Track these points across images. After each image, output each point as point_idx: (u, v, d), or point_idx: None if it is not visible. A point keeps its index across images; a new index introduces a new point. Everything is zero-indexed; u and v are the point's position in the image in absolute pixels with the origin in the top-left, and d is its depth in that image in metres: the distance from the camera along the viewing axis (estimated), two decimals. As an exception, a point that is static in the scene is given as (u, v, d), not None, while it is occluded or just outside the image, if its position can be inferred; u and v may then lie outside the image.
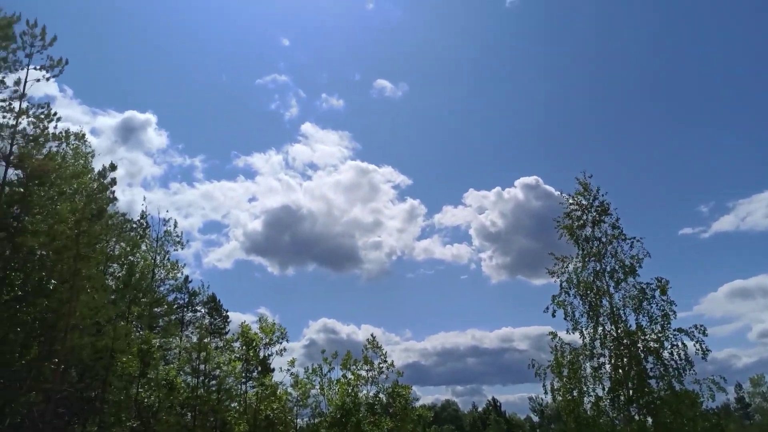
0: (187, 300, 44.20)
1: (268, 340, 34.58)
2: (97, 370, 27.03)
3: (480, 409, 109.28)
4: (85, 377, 28.27)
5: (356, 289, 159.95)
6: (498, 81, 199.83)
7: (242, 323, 35.23)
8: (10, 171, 25.11)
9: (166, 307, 40.94)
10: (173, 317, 42.68)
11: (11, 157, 24.58)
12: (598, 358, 18.32)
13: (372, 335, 34.11)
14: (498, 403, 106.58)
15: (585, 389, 18.14)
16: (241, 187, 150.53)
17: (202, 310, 45.41)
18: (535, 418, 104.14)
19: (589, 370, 18.29)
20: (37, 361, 23.08)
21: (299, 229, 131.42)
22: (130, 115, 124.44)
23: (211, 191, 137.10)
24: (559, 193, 20.82)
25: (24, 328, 23.46)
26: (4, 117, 24.72)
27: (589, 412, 17.86)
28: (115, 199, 29.88)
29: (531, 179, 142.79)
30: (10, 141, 24.52)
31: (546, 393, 18.48)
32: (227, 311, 46.88)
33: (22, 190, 25.67)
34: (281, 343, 34.92)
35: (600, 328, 18.41)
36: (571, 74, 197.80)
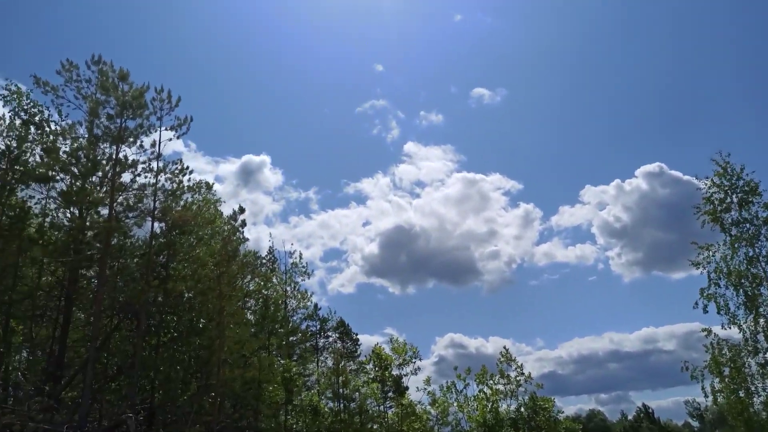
0: (318, 327, 46.07)
1: (401, 360, 34.98)
2: (247, 400, 28.89)
3: (630, 417, 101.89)
4: (237, 408, 30.35)
5: (479, 301, 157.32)
6: (599, 70, 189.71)
7: (375, 345, 35.98)
8: (155, 224, 28.00)
9: (300, 335, 43.02)
10: (308, 344, 44.70)
11: (155, 212, 27.39)
12: (764, 353, 16.45)
13: (505, 347, 33.26)
14: (650, 410, 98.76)
15: (753, 388, 16.34)
16: (354, 212, 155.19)
17: (334, 335, 47.08)
18: (695, 424, 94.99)
19: (754, 368, 16.49)
20: (197, 396, 25.15)
21: (414, 247, 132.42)
22: (247, 159, 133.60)
23: (327, 220, 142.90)
24: (694, 178, 19.21)
25: (182, 366, 25.72)
26: (145, 177, 27.63)
27: (762, 414, 16.03)
28: (246, 239, 32.05)
29: (653, 167, 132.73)
30: (153, 198, 27.31)
31: (706, 396, 16.94)
32: (357, 334, 48.25)
33: (166, 240, 28.51)
34: (414, 362, 35.17)
35: (762, 320, 16.55)
36: (686, 50, 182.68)
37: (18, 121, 27.74)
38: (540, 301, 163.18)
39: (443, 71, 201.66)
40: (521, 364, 32.70)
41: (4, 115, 27.69)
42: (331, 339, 46.68)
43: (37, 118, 28.10)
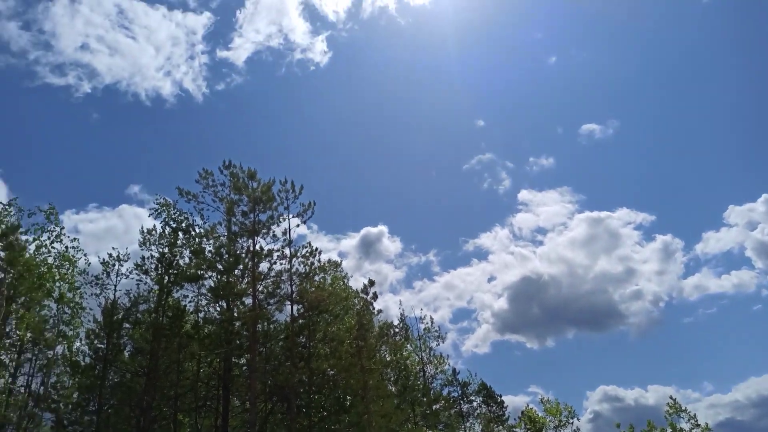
0: (460, 392, 44.67)
1: (557, 422, 32.70)
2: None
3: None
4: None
5: (627, 347, 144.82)
6: (716, 82, 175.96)
7: (526, 407, 34.04)
8: (294, 307, 29.34)
9: (443, 402, 41.90)
10: (452, 411, 43.34)
11: (293, 295, 28.79)
12: None
13: (671, 397, 29.98)
14: None
15: None
16: (476, 269, 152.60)
17: (477, 399, 45.30)
18: None
19: None
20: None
21: (546, 297, 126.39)
22: (366, 231, 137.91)
23: (450, 281, 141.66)
24: None
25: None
26: (280, 264, 29.35)
27: None
28: (380, 310, 32.48)
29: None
30: (289, 282, 28.83)
31: None
32: (500, 396, 46.05)
33: (305, 321, 29.68)
34: (571, 422, 32.69)
35: None
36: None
37: (168, 230, 31.04)
38: (699, 339, 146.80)
39: (546, 114, 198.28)
40: (694, 414, 29.18)
41: (155, 226, 31.18)
42: (475, 404, 44.94)
43: (183, 225, 31.30)
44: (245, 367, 29.58)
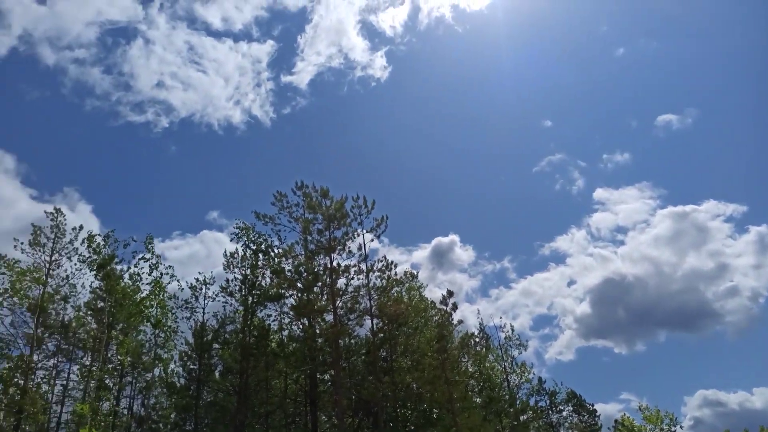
0: (548, 401, 43.20)
1: (658, 431, 30.86)
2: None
3: None
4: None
5: (725, 347, 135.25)
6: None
7: (623, 416, 32.39)
8: (374, 321, 29.49)
9: (531, 412, 40.65)
10: (541, 422, 41.95)
11: (372, 310, 28.95)
12: None
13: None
14: None
15: None
16: (554, 274, 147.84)
17: (567, 408, 43.62)
18: None
19: None
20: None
21: (632, 299, 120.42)
22: (437, 241, 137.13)
23: (528, 287, 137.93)
24: None
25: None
26: (357, 279, 29.63)
27: None
28: (460, 321, 32.07)
29: None
30: (368, 297, 29.02)
31: None
32: (592, 405, 44.11)
33: (385, 335, 29.76)
34: (673, 430, 30.75)
35: None
36: None
37: (249, 252, 32.15)
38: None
39: (618, 109, 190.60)
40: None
41: (237, 249, 32.39)
42: (564, 413, 43.29)
43: (263, 246, 32.32)
44: (329, 383, 29.99)
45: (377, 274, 30.04)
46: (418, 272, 34.34)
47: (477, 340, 42.24)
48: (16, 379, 24.56)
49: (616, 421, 33.74)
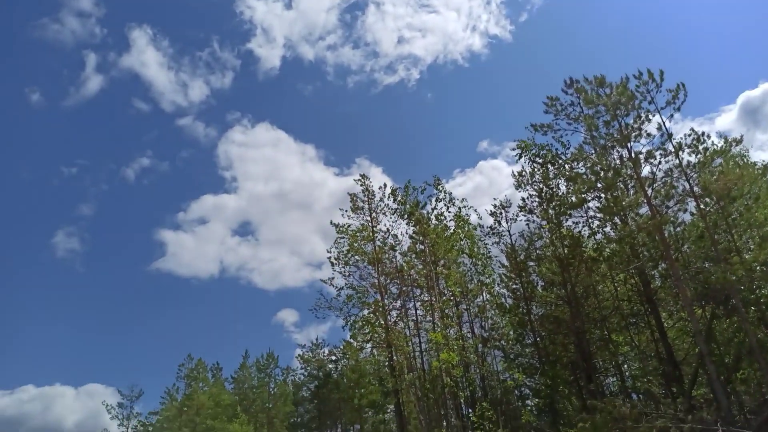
0: None
1: None
2: None
3: None
4: None
5: None
6: None
7: None
8: (700, 203, 26.11)
9: None
10: None
11: (694, 190, 25.59)
12: None
13: None
14: None
15: None
16: None
17: None
18: None
19: None
20: None
21: None
22: (744, 98, 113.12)
23: None
24: None
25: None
26: (666, 161, 26.43)
27: None
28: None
29: None
30: (684, 178, 25.72)
31: None
32: None
33: (715, 216, 26.19)
34: None
35: None
36: None
37: (536, 167, 31.57)
38: None
39: None
40: None
41: (523, 167, 32.08)
42: None
43: (548, 157, 31.32)
44: (663, 279, 27.91)
45: (687, 151, 26.35)
46: (741, 138, 29.03)
47: None
48: (379, 321, 29.20)
49: None
